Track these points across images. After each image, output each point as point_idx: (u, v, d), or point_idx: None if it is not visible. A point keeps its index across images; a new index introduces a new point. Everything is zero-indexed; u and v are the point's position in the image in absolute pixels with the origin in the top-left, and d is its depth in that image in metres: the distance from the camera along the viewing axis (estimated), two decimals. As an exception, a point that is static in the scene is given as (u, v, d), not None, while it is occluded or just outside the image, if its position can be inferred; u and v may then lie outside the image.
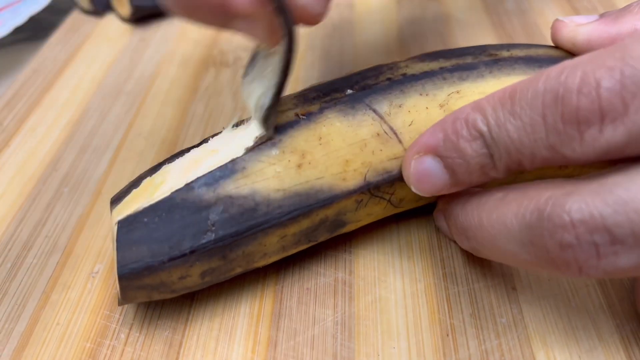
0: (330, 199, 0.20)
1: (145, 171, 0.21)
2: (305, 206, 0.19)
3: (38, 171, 0.28)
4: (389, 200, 0.21)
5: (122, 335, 0.20)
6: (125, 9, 0.38)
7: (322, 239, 0.21)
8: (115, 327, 0.21)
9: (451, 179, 0.18)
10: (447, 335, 0.20)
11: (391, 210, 0.22)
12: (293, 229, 0.20)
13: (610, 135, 0.15)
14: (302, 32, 0.37)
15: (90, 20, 0.40)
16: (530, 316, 0.20)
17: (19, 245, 0.24)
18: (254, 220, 0.19)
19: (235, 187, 0.19)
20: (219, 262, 0.19)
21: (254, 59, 0.21)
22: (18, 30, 0.38)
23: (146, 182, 0.20)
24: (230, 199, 0.19)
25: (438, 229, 0.23)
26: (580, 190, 0.15)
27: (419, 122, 0.20)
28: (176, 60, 0.35)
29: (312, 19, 0.18)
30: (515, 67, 0.21)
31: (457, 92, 0.21)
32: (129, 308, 0.21)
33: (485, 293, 0.21)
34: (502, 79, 0.21)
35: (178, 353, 0.20)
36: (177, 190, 0.19)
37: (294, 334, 0.20)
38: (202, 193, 0.19)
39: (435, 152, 0.18)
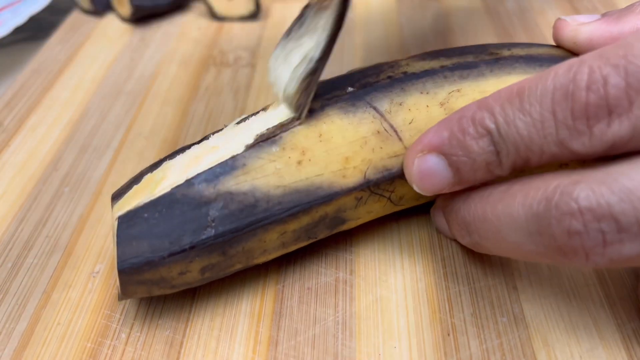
0: (330, 196, 0.20)
1: (147, 167, 0.21)
2: (305, 203, 0.19)
3: (38, 171, 0.28)
4: (388, 198, 0.21)
5: (123, 335, 0.20)
6: (125, 8, 0.38)
7: (322, 235, 0.21)
8: (116, 327, 0.21)
9: (455, 178, 0.18)
10: (448, 334, 0.20)
11: (391, 208, 0.22)
12: (293, 226, 0.20)
13: (617, 130, 0.15)
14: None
15: (91, 20, 0.40)
16: (531, 315, 0.20)
17: (19, 244, 0.24)
18: (254, 217, 0.19)
19: (235, 183, 0.19)
20: (219, 258, 0.19)
21: (301, 17, 0.20)
22: (18, 30, 0.38)
23: (147, 178, 0.20)
24: (230, 195, 0.19)
25: (439, 228, 0.23)
26: (587, 179, 0.15)
27: (419, 120, 0.20)
28: (176, 60, 0.35)
29: None
30: (516, 66, 0.21)
31: (458, 90, 0.21)
32: (130, 308, 0.21)
33: (487, 292, 0.21)
34: (503, 77, 0.21)
35: (179, 353, 0.20)
36: (177, 186, 0.19)
37: (294, 333, 0.20)
38: (202, 189, 0.19)
39: (440, 150, 0.18)
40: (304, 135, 0.20)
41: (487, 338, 0.20)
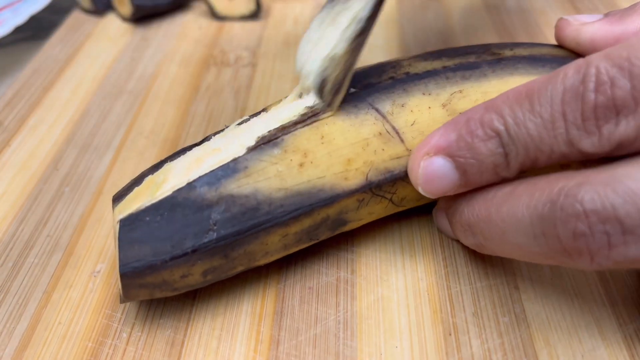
0: (332, 199, 0.20)
1: (148, 169, 0.21)
2: (307, 205, 0.19)
3: (39, 171, 0.28)
4: (390, 200, 0.21)
5: (124, 335, 0.20)
6: (126, 8, 0.38)
7: (323, 237, 0.21)
8: (117, 327, 0.21)
9: (461, 180, 0.18)
10: (450, 334, 0.20)
11: (392, 209, 0.22)
12: (295, 228, 0.20)
13: (624, 130, 0.16)
14: (303, 33, 0.37)
15: (91, 20, 0.40)
16: (532, 315, 0.20)
17: (20, 244, 0.24)
18: (256, 220, 0.19)
19: (237, 186, 0.19)
20: (221, 261, 0.19)
21: None
22: (19, 30, 0.38)
23: (148, 180, 0.20)
24: (232, 198, 0.19)
25: (440, 228, 0.23)
26: (592, 181, 0.15)
27: (421, 121, 0.20)
28: (177, 60, 0.35)
29: None
30: (518, 66, 0.21)
31: (460, 91, 0.21)
32: (131, 307, 0.21)
33: (488, 292, 0.21)
34: (505, 78, 0.21)
35: (180, 352, 0.20)
36: (179, 189, 0.19)
37: (296, 333, 0.20)
38: (204, 192, 0.19)
39: (447, 153, 0.18)
40: (305, 137, 0.20)
41: (489, 338, 0.20)
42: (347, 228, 0.21)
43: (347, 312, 0.21)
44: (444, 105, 0.20)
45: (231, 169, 0.19)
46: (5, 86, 0.36)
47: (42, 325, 0.21)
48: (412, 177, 0.20)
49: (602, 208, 0.15)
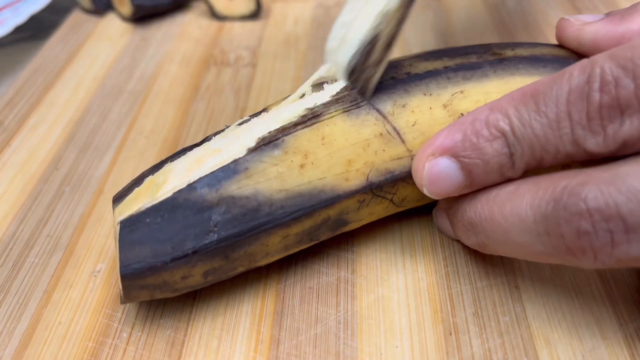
0: (332, 200, 0.20)
1: (148, 169, 0.21)
2: (308, 207, 0.19)
3: (39, 170, 0.28)
4: (391, 200, 0.21)
5: (125, 334, 0.20)
6: (126, 8, 0.38)
7: (324, 237, 0.21)
8: (118, 326, 0.21)
9: (466, 180, 0.18)
10: (450, 334, 0.20)
11: (393, 210, 0.22)
12: (295, 229, 0.20)
13: (628, 129, 0.16)
14: (303, 33, 0.37)
15: (91, 20, 0.40)
16: (533, 315, 0.20)
17: (20, 244, 0.24)
18: (257, 221, 0.19)
19: (237, 187, 0.19)
20: (222, 262, 0.19)
21: None
22: (19, 30, 0.38)
23: (148, 180, 0.20)
24: (232, 199, 0.19)
25: (440, 228, 0.23)
26: (595, 180, 0.15)
27: (422, 122, 0.20)
28: (177, 60, 0.35)
29: None
30: (520, 67, 0.21)
31: (461, 92, 0.21)
32: (131, 307, 0.21)
33: (488, 292, 0.21)
34: (506, 78, 0.21)
35: (180, 352, 0.20)
36: (179, 191, 0.19)
37: (296, 332, 0.20)
38: (204, 193, 0.19)
39: (452, 153, 0.18)
40: (306, 138, 0.20)
41: (489, 337, 0.20)
42: (347, 228, 0.21)
43: (347, 312, 0.21)
44: (445, 106, 0.20)
45: (232, 170, 0.19)
46: (5, 86, 0.36)
47: (42, 325, 0.21)
48: (417, 178, 0.19)
49: (606, 206, 0.15)
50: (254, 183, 0.19)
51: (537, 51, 0.22)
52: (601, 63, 0.16)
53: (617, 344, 0.19)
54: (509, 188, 0.18)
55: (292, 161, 0.19)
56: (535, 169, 0.18)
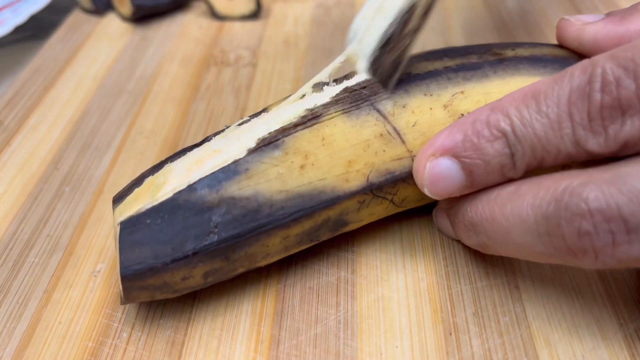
0: (332, 200, 0.20)
1: (148, 169, 0.21)
2: (308, 207, 0.19)
3: (39, 170, 0.28)
4: (391, 201, 0.21)
5: (125, 334, 0.20)
6: (126, 7, 0.38)
7: (324, 238, 0.21)
8: (118, 326, 0.21)
9: (467, 181, 0.18)
10: (450, 334, 0.20)
11: (393, 210, 0.22)
12: (296, 230, 0.20)
13: (629, 130, 0.16)
14: (303, 33, 0.37)
15: (91, 20, 0.40)
16: (533, 315, 0.20)
17: (20, 244, 0.24)
18: (257, 222, 0.19)
19: (238, 188, 0.19)
20: (222, 263, 0.19)
21: None
22: (19, 30, 0.38)
23: (148, 181, 0.20)
24: (232, 200, 0.19)
25: (440, 228, 0.23)
26: (596, 180, 0.15)
27: (422, 123, 0.20)
28: (177, 59, 0.35)
29: None
30: (520, 67, 0.21)
31: (462, 92, 0.20)
32: (131, 307, 0.21)
33: (488, 292, 0.21)
34: (507, 79, 0.21)
35: (180, 352, 0.20)
36: (179, 192, 0.19)
37: (296, 332, 0.20)
38: (204, 194, 0.19)
39: (453, 154, 0.18)
40: (306, 139, 0.20)
41: (489, 337, 0.20)
42: (348, 229, 0.21)
43: (347, 311, 0.21)
44: (445, 107, 0.20)
45: (232, 171, 0.19)
46: (5, 86, 0.36)
47: (42, 325, 0.21)
48: (418, 178, 0.19)
49: (607, 207, 0.15)
50: (254, 184, 0.19)
51: (537, 51, 0.22)
52: (602, 63, 0.16)
53: (617, 344, 0.19)
54: (510, 188, 0.18)
55: (292, 162, 0.19)
56: (536, 169, 0.18)
